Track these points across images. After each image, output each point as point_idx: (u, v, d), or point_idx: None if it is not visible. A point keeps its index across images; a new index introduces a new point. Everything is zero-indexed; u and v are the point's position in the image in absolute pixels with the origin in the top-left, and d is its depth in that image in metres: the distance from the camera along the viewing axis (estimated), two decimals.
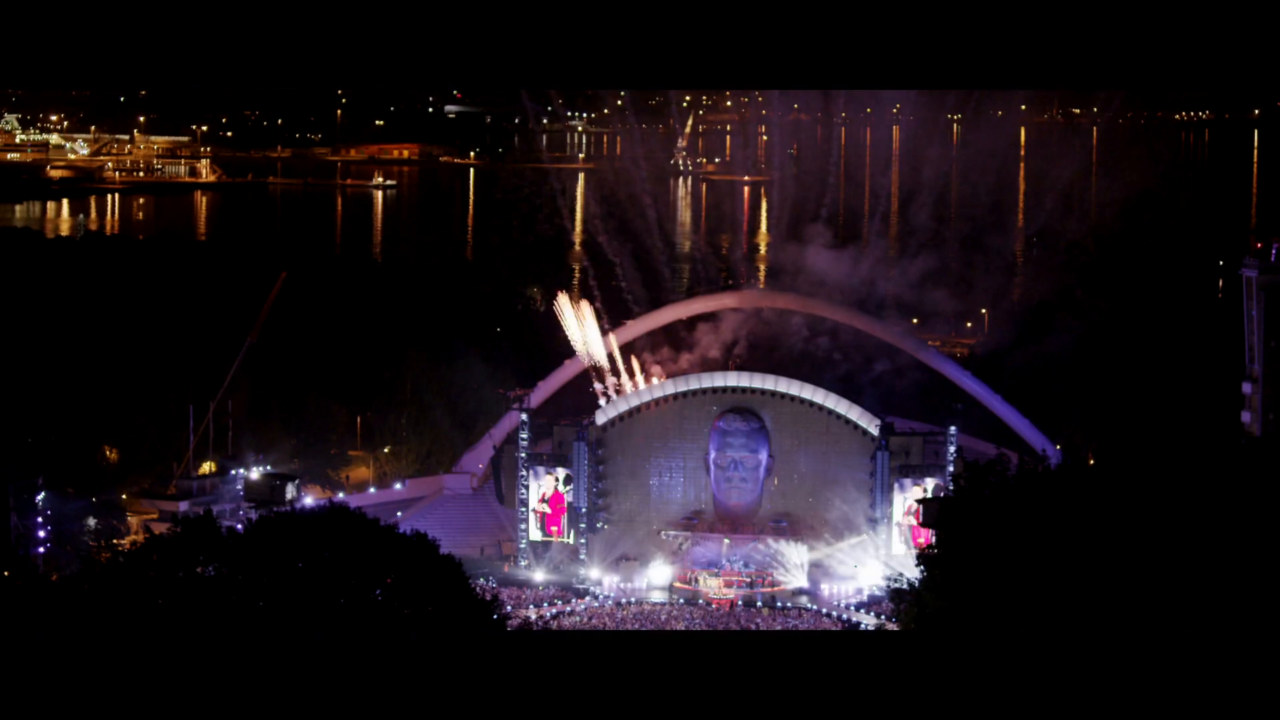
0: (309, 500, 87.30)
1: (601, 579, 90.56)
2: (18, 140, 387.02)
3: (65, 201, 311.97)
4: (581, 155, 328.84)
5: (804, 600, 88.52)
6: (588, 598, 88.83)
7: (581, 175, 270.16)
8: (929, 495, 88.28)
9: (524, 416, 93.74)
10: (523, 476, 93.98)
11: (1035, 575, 43.81)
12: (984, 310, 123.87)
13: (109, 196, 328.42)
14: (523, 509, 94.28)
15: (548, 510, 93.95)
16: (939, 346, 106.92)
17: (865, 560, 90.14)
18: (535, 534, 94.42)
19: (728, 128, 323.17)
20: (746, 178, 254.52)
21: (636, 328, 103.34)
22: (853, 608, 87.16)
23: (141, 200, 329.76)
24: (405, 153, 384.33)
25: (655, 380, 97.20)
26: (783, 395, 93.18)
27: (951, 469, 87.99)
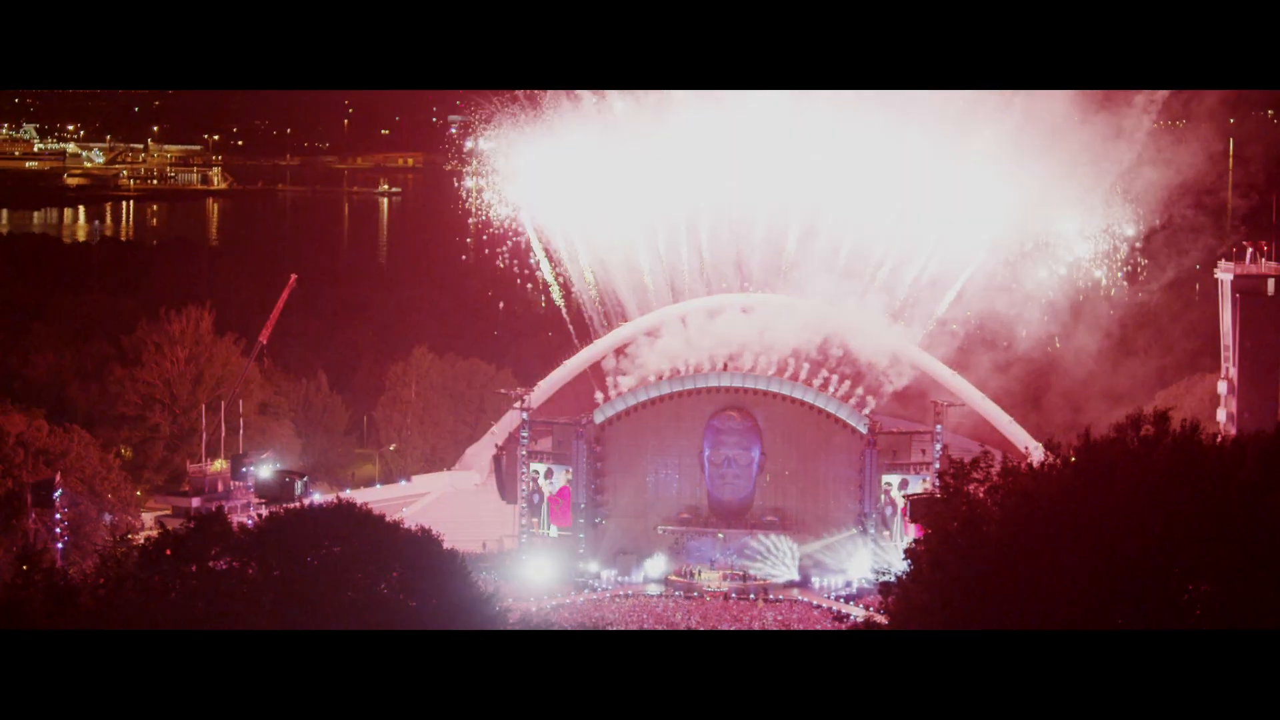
0: (317, 496, 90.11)
1: (600, 573, 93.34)
2: (36, 149, 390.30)
3: (81, 208, 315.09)
4: None
5: (795, 592, 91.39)
6: (586, 591, 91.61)
7: None
8: (915, 491, 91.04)
9: (524, 415, 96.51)
10: (523, 474, 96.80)
11: (1017, 570, 45.58)
12: None
13: (124, 203, 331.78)
14: (523, 505, 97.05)
15: (556, 494, 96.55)
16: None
17: (854, 554, 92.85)
18: (535, 529, 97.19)
19: None
20: None
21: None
22: (842, 600, 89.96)
23: (155, 207, 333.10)
24: (410, 161, 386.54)
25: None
26: (774, 394, 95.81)
27: (937, 466, 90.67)
